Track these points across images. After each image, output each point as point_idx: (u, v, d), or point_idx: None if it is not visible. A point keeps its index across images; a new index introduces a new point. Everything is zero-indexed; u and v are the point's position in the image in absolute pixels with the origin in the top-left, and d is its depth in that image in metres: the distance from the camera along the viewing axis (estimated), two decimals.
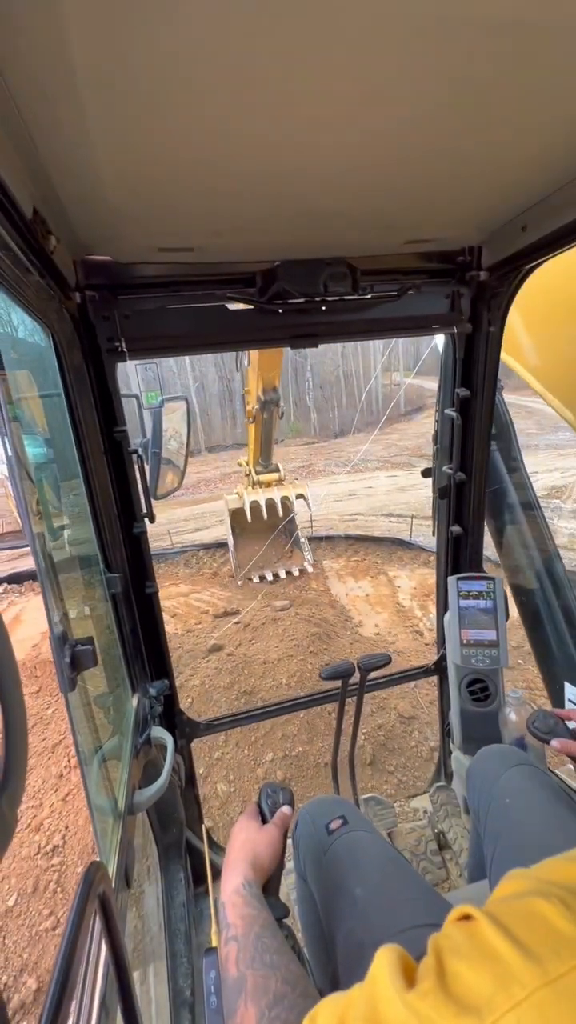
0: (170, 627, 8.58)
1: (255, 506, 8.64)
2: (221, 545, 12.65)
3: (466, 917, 0.55)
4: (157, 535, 14.23)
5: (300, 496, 8.94)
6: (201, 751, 5.09)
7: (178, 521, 15.19)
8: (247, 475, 9.52)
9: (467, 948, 0.51)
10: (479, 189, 1.16)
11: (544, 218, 1.26)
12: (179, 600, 9.96)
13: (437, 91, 0.77)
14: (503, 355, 2.23)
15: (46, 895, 3.89)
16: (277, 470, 9.35)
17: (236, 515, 9.67)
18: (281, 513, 8.94)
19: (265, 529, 9.63)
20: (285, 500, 8.76)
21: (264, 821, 1.18)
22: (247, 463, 9.72)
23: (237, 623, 8.34)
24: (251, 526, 9.54)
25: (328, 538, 12.57)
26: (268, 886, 1.06)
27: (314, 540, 12.36)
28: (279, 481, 9.21)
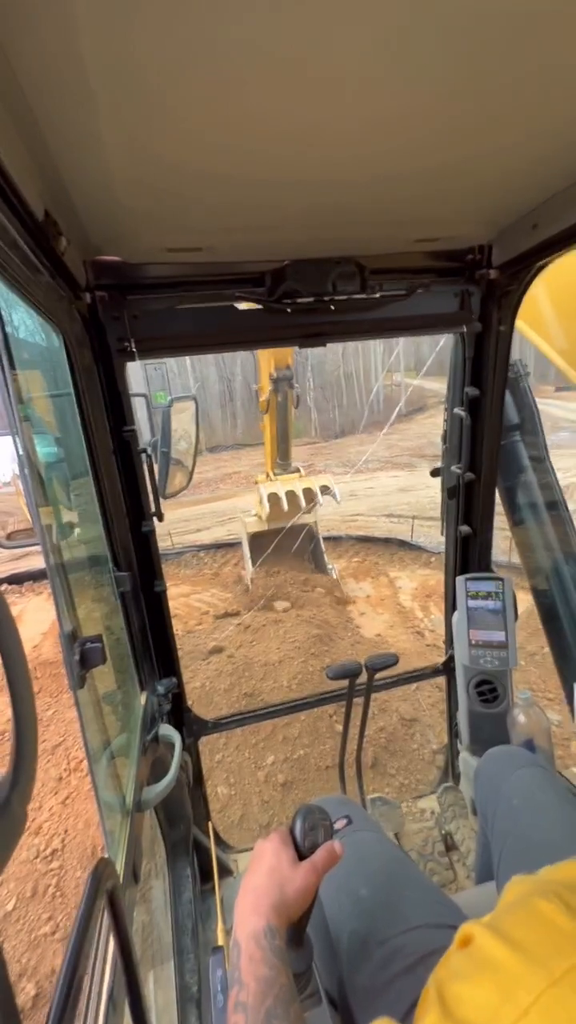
0: None
1: (274, 498, 7.56)
2: (222, 546, 12.63)
3: (464, 942, 0.54)
4: (158, 535, 14.14)
5: (324, 488, 7.80)
6: (201, 754, 5.02)
7: (179, 522, 15.16)
8: (263, 481, 8.46)
9: (466, 968, 0.51)
10: (489, 186, 1.16)
11: (556, 215, 1.25)
12: (180, 601, 9.92)
13: (445, 88, 0.77)
14: (523, 327, 2.17)
15: (45, 899, 3.86)
16: (297, 471, 8.32)
17: (256, 539, 8.63)
18: (304, 503, 7.87)
19: (286, 547, 8.67)
20: (308, 492, 7.72)
21: (297, 847, 0.99)
22: (264, 477, 8.63)
23: (239, 624, 8.33)
24: (272, 548, 8.54)
25: (328, 539, 12.55)
26: (292, 934, 0.93)
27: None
28: (299, 479, 8.14)
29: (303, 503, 7.55)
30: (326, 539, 11.48)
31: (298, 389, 7.38)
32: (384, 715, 5.24)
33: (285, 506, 7.36)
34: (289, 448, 8.11)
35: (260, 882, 0.91)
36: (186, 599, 9.99)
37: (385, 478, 17.35)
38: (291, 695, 6.05)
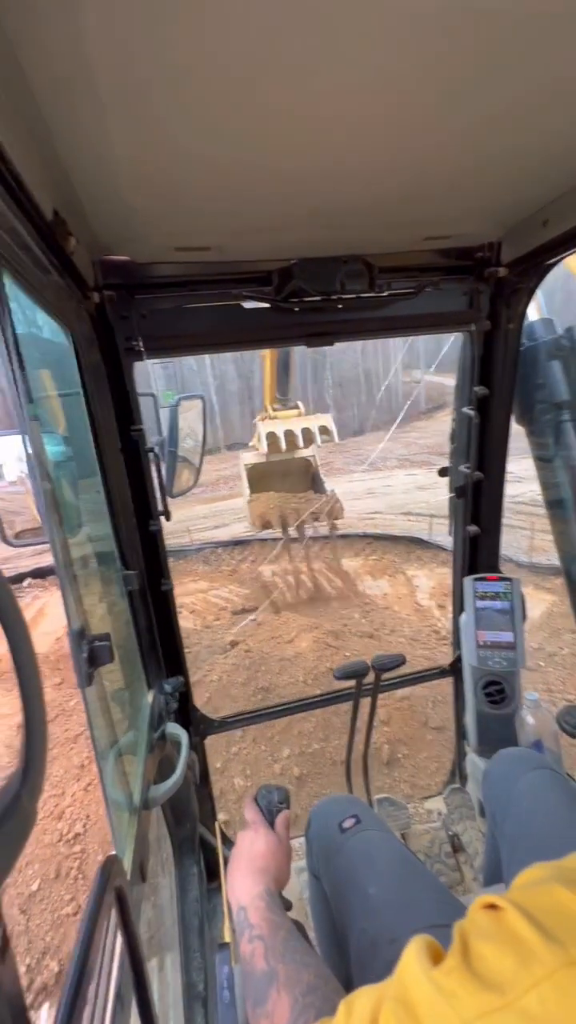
0: (188, 623, 8.68)
1: (272, 437, 7.13)
2: (240, 543, 12.69)
3: (491, 906, 0.55)
4: (176, 532, 14.36)
5: (324, 429, 7.32)
6: (218, 746, 5.17)
7: (197, 518, 15.25)
8: (262, 419, 7.95)
9: (493, 932, 0.52)
10: (498, 183, 1.16)
11: (566, 212, 1.24)
12: (197, 596, 9.99)
13: (453, 85, 0.77)
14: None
15: (68, 881, 4.01)
16: (297, 407, 7.77)
17: (254, 471, 7.77)
18: (302, 443, 7.44)
19: (285, 479, 8.05)
20: (307, 432, 7.28)
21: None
22: (263, 412, 8.16)
23: (254, 620, 8.36)
24: (271, 479, 8.01)
25: (346, 536, 12.54)
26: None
27: (332, 538, 12.33)
28: (298, 416, 7.66)
29: (301, 443, 7.34)
30: (340, 536, 11.46)
31: None
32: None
33: (283, 446, 7.17)
34: (289, 383, 7.74)
35: (256, 859, 1.11)
36: (204, 595, 10.05)
37: (403, 476, 17.31)
38: (306, 690, 6.09)
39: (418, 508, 13.71)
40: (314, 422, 7.30)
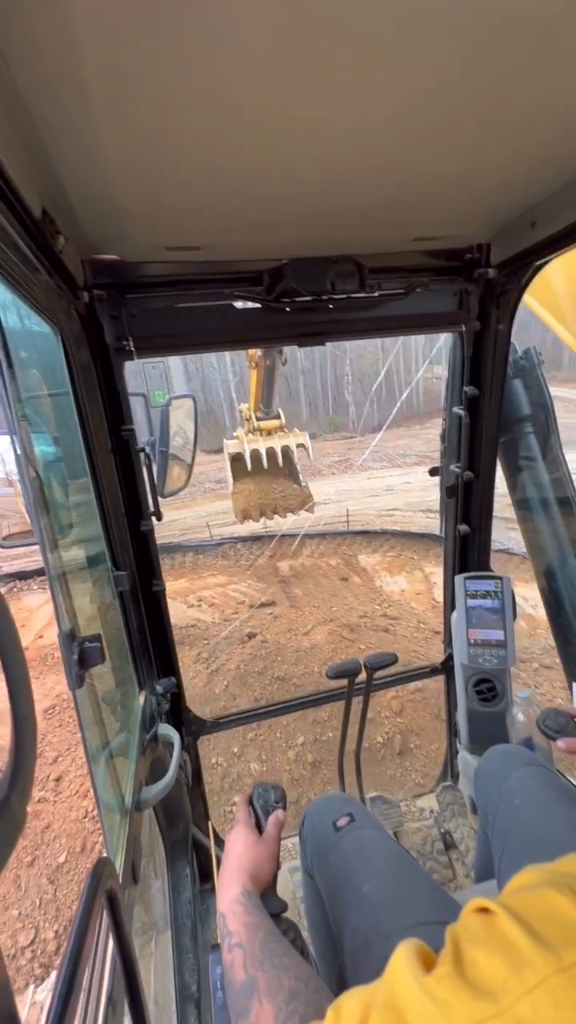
0: (207, 616, 8.79)
1: (256, 454, 7.86)
2: (259, 538, 12.71)
3: (483, 910, 0.55)
4: (195, 527, 14.43)
5: (300, 445, 8.13)
6: (235, 731, 5.26)
7: (216, 514, 15.28)
8: (246, 420, 8.58)
9: (484, 937, 0.52)
10: (487, 185, 1.15)
11: (554, 214, 1.24)
12: (216, 590, 10.06)
13: (442, 88, 0.76)
14: (537, 307, 2.14)
15: (93, 855, 4.21)
16: (278, 417, 8.43)
17: (237, 459, 8.29)
18: (281, 462, 8.20)
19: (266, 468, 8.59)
20: (286, 449, 8.08)
21: (257, 820, 1.20)
22: (248, 408, 8.69)
23: (271, 614, 8.40)
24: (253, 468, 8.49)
25: (364, 533, 12.53)
26: (266, 900, 1.06)
27: (350, 535, 12.31)
28: (280, 428, 8.31)
29: (280, 461, 7.98)
30: (358, 533, 11.47)
31: (286, 355, 7.56)
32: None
33: (265, 463, 7.75)
34: (272, 398, 8.23)
35: (233, 863, 1.08)
36: (223, 589, 10.11)
37: (422, 473, 17.24)
38: (322, 680, 6.16)
39: (437, 505, 13.61)
40: (293, 439, 7.96)
